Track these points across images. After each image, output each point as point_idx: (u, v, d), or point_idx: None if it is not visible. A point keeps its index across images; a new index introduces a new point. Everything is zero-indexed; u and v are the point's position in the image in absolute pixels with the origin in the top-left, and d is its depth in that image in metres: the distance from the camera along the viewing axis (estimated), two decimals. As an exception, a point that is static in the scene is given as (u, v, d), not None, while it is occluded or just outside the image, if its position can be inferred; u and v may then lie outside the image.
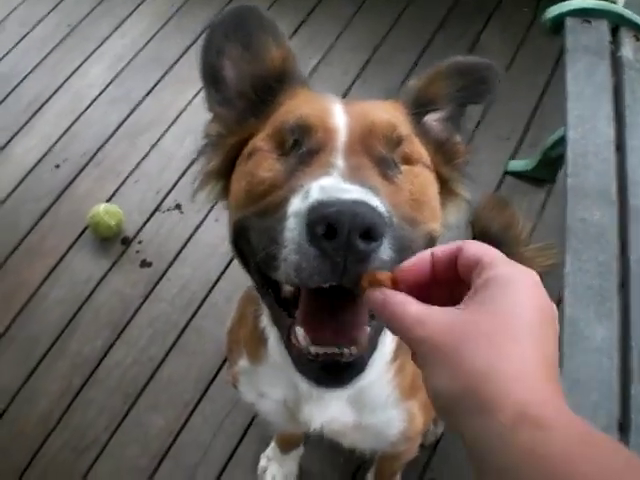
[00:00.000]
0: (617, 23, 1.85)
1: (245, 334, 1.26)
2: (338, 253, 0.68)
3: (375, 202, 0.71)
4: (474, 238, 2.31)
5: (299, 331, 0.79)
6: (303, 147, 0.86)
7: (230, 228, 0.92)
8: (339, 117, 0.89)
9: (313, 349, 0.77)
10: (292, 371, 1.08)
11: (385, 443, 1.35)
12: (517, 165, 2.53)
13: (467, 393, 0.54)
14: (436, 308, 0.60)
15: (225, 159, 0.98)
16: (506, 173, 2.55)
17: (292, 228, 0.72)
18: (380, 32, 2.98)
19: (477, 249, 0.63)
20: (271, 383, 1.22)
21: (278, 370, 1.16)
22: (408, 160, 0.90)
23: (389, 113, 0.95)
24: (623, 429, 1.31)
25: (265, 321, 1.11)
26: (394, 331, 0.63)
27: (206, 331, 2.23)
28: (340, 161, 0.81)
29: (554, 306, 0.61)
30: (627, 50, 1.78)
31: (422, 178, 0.92)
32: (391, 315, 0.62)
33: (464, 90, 1.03)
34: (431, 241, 0.86)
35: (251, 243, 0.84)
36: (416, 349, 0.60)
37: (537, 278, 0.61)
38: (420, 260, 0.66)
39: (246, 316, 1.26)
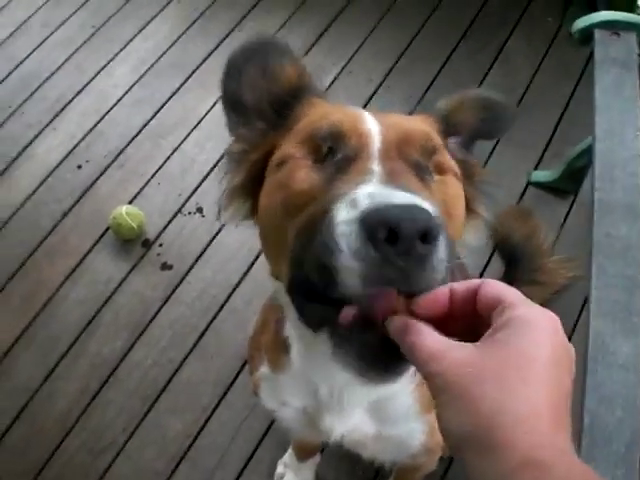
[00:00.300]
0: (645, 36, 1.84)
1: (267, 341, 1.26)
2: (400, 257, 0.66)
3: (427, 205, 0.70)
4: (495, 248, 2.31)
5: (350, 310, 0.75)
6: (339, 154, 0.85)
7: (289, 265, 0.84)
8: (372, 124, 0.89)
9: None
10: (318, 376, 1.09)
11: (405, 454, 1.34)
12: (541, 176, 2.51)
13: (476, 433, 0.55)
14: (454, 343, 0.61)
15: (248, 175, 0.98)
16: (529, 183, 2.53)
17: (346, 235, 0.69)
18: (403, 40, 2.97)
19: (498, 288, 0.64)
20: (292, 392, 1.22)
21: (299, 379, 1.16)
22: (441, 170, 0.91)
23: (423, 124, 0.96)
24: (647, 446, 1.31)
25: (288, 330, 1.10)
26: (410, 361, 0.64)
27: (225, 335, 2.23)
28: (377, 167, 0.81)
29: (572, 348, 0.61)
30: (655, 63, 1.77)
31: (454, 190, 0.93)
32: (410, 344, 0.63)
33: (482, 123, 1.06)
34: None
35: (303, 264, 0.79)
36: (430, 381, 0.61)
37: (556, 319, 0.62)
38: (439, 294, 0.67)
39: (269, 323, 1.25)
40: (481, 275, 2.32)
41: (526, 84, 2.78)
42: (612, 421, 1.32)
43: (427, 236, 0.66)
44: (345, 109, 0.95)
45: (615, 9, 1.90)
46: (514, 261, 2.18)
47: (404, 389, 1.16)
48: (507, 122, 1.11)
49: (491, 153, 2.57)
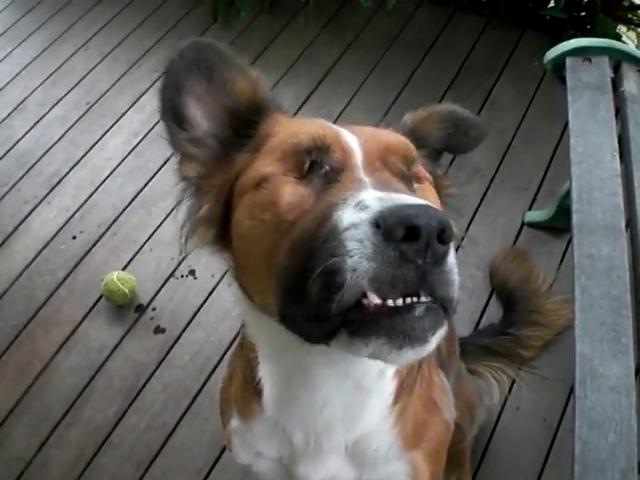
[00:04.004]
0: (619, 59, 1.82)
1: (235, 391, 1.21)
2: (420, 254, 0.66)
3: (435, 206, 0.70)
4: (492, 291, 2.25)
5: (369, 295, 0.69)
6: (325, 166, 0.83)
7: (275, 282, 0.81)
8: (350, 137, 0.87)
9: (390, 302, 0.69)
10: (293, 419, 1.04)
11: None
12: (534, 215, 2.47)
13: None
14: None
15: (217, 202, 0.93)
16: (524, 224, 2.49)
17: (359, 237, 0.68)
18: (391, 94, 2.99)
19: None
20: (266, 440, 1.15)
21: (272, 425, 1.10)
22: (419, 179, 0.91)
23: (398, 135, 0.95)
24: (644, 471, 1.23)
25: (262, 369, 1.04)
26: None
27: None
28: (366, 177, 0.80)
29: None
30: (630, 84, 1.75)
31: (433, 198, 0.93)
32: None
33: (451, 137, 1.05)
34: None
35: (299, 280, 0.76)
36: None
37: None
38: None
39: (236, 372, 1.21)
40: (480, 318, 2.25)
41: (515, 127, 2.77)
42: (605, 447, 1.25)
43: (444, 234, 0.66)
44: (319, 122, 0.91)
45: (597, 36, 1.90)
46: (512, 304, 2.13)
47: (383, 424, 1.10)
48: (476, 138, 1.09)
49: (484, 195, 2.54)
